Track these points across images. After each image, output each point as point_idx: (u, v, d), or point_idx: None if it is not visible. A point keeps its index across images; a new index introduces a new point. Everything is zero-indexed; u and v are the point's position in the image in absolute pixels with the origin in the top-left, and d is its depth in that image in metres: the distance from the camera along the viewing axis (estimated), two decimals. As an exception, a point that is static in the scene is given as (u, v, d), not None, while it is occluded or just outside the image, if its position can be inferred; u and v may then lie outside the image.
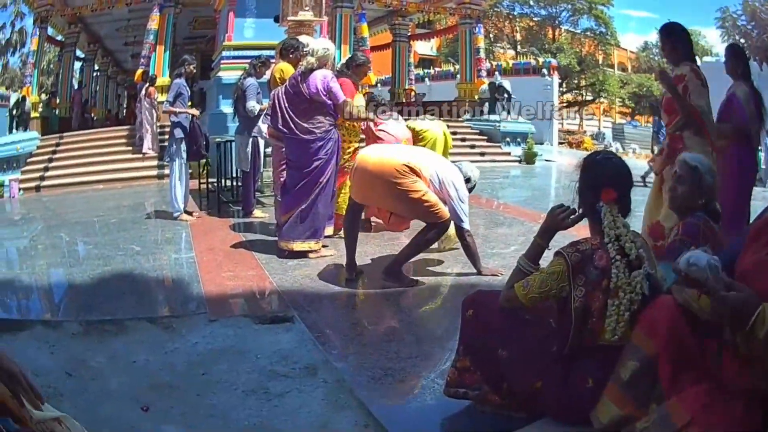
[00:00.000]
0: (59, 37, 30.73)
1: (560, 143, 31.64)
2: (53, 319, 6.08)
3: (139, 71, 22.13)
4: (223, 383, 4.27)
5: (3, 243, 10.43)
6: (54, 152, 20.67)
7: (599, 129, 44.86)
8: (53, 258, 8.71)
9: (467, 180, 6.80)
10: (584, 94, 52.00)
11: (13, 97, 23.88)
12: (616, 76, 52.27)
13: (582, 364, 3.09)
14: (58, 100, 28.10)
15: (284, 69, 8.80)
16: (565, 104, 47.85)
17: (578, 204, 3.30)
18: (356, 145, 8.53)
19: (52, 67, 49.94)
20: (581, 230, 3.41)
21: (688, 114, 5.55)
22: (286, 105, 7.47)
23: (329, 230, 7.99)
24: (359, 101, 8.34)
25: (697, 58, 6.12)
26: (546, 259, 3.32)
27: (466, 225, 6.54)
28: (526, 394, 3.21)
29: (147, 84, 19.70)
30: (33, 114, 22.95)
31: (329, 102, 7.33)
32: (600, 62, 51.71)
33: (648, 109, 49.29)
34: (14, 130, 21.11)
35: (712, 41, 55.61)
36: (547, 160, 22.15)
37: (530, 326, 3.30)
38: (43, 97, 28.61)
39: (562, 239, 3.36)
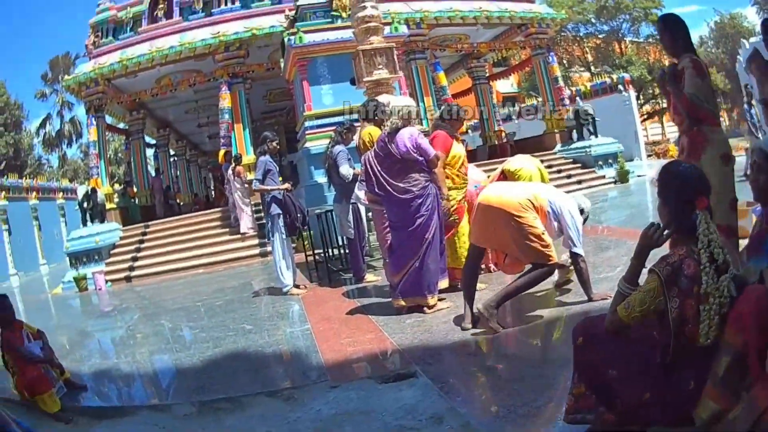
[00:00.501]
0: (122, 125, 31.73)
1: (648, 156, 32.23)
2: (161, 403, 6.50)
3: (221, 152, 23.13)
4: (350, 446, 4.59)
5: (94, 335, 11.10)
6: (141, 241, 21.65)
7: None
8: (156, 345, 9.23)
9: (581, 211, 7.26)
10: (660, 102, 52.56)
11: (81, 190, 24.85)
12: None
13: (683, 369, 3.42)
14: (135, 189, 28.92)
15: (372, 132, 9.26)
16: (645, 116, 50.09)
17: (667, 217, 3.64)
18: (460, 197, 8.78)
19: (120, 156, 51.92)
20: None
21: (682, 104, 5.72)
22: (379, 168, 7.93)
23: (443, 283, 8.20)
24: (458, 150, 8.70)
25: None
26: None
27: (580, 250, 6.91)
28: (637, 407, 3.52)
29: (233, 164, 20.41)
30: (109, 205, 23.86)
31: (421, 158, 7.75)
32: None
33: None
34: (89, 223, 21.99)
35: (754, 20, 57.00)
36: (639, 176, 23.17)
37: (634, 342, 3.64)
38: (117, 187, 29.45)
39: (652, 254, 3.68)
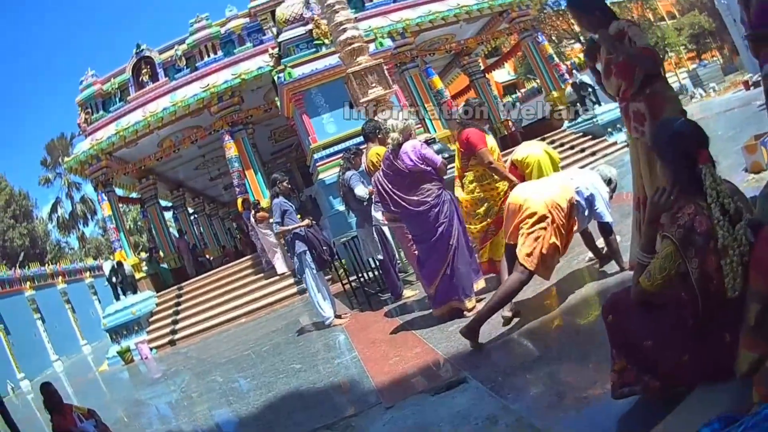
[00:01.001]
0: (134, 194, 31.98)
1: None
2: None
3: (239, 200, 23.26)
4: (413, 461, 4.68)
5: (149, 402, 11.29)
6: (178, 303, 21.96)
7: (679, 83, 47.62)
8: (212, 401, 9.37)
9: (608, 182, 7.35)
10: None
11: (107, 266, 25.07)
12: (669, 26, 53.25)
13: (716, 324, 3.46)
14: (162, 254, 29.25)
15: (379, 152, 9.39)
16: None
17: (671, 177, 3.65)
18: (504, 187, 8.75)
19: (140, 224, 52.37)
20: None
21: (643, 59, 5.59)
22: (390, 186, 8.07)
23: (480, 284, 8.29)
24: (491, 142, 8.77)
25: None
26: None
27: (609, 218, 7.02)
28: (679, 370, 3.59)
29: (253, 211, 20.58)
30: (138, 275, 24.07)
31: (428, 168, 7.85)
32: (652, 20, 53.69)
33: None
34: (122, 296, 22.25)
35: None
36: None
37: (662, 308, 3.70)
38: (142, 255, 29.78)
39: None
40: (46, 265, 41.11)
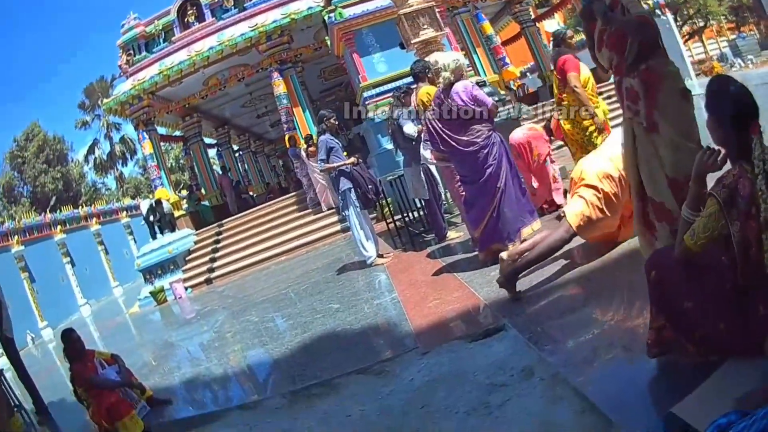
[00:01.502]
0: (177, 132, 32.24)
1: (696, 75, 32.48)
2: (251, 400, 6.60)
3: (287, 137, 23.15)
4: (444, 410, 4.61)
5: (180, 344, 11.38)
6: (217, 242, 22.05)
7: (720, 51, 48.53)
8: (245, 341, 9.39)
9: None
10: (696, 22, 53.26)
11: (144, 204, 25.12)
12: None
13: (753, 294, 3.33)
14: (203, 192, 29.44)
15: (429, 91, 9.19)
16: (686, 37, 49.89)
17: (722, 139, 3.48)
18: (603, 106, 8.92)
19: (182, 162, 52.55)
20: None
21: (636, 28, 5.02)
22: (440, 125, 7.92)
23: (536, 225, 7.99)
24: (585, 72, 8.84)
25: None
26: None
27: None
28: (715, 338, 3.49)
29: (306, 146, 20.39)
30: (177, 213, 24.31)
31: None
32: None
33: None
34: (159, 235, 22.47)
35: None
36: (693, 94, 22.21)
37: (705, 272, 3.57)
38: (183, 193, 29.96)
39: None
40: (80, 207, 41.27)
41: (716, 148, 3.51)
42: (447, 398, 4.80)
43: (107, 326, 21.06)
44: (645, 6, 33.02)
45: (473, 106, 7.67)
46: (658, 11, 31.00)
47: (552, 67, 9.52)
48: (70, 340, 7.31)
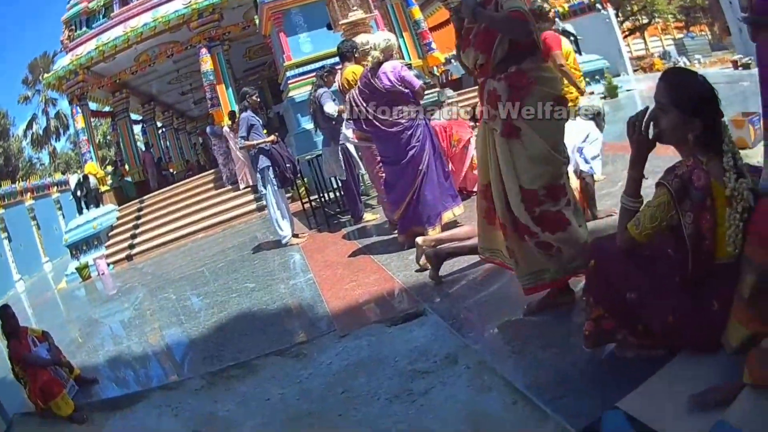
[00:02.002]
0: (107, 108, 31.48)
1: (635, 71, 32.67)
2: (172, 380, 6.30)
3: (212, 113, 22.95)
4: (365, 396, 4.38)
5: (103, 321, 10.97)
6: (138, 218, 21.53)
7: (663, 48, 48.51)
8: (163, 320, 9.06)
9: (597, 114, 7.28)
10: (640, 18, 53.23)
11: (73, 179, 24.69)
12: None
13: (704, 288, 3.14)
14: (127, 167, 28.89)
15: (355, 71, 8.97)
16: (626, 33, 49.72)
17: (674, 128, 3.22)
18: (575, 95, 8.69)
19: (110, 138, 51.70)
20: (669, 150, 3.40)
21: (507, 25, 4.32)
22: (365, 105, 7.67)
23: (458, 210, 7.86)
24: (567, 46, 8.73)
25: None
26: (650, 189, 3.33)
27: (589, 168, 6.78)
28: (661, 331, 3.27)
29: (230, 122, 20.10)
30: (103, 188, 23.78)
31: (406, 90, 7.46)
32: None
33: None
34: (85, 210, 21.88)
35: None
36: (628, 90, 22.58)
37: (651, 263, 3.36)
38: (108, 169, 29.42)
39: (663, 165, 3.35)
40: (17, 182, 40.24)
41: (643, 121, 3.30)
42: (368, 384, 4.57)
43: (38, 302, 20.43)
44: (542, 3, 33.31)
45: (400, 87, 7.44)
46: (599, 5, 31.23)
47: None
48: (6, 316, 7.02)
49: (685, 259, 3.13)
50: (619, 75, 26.65)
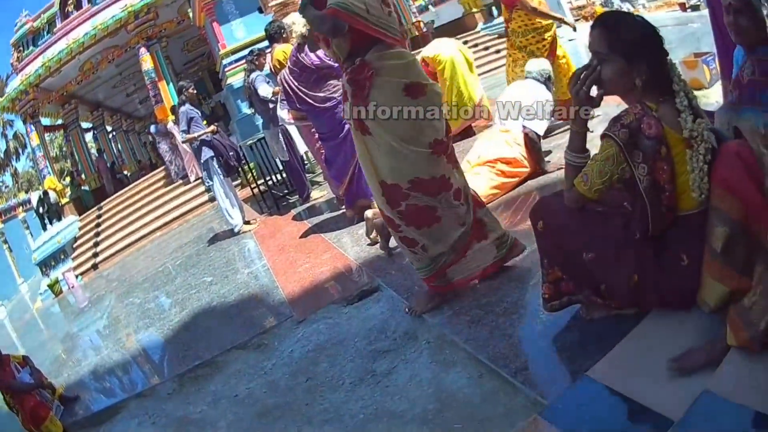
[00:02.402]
0: (59, 121, 31.21)
1: (576, 20, 32.04)
2: (146, 388, 6.11)
3: (158, 109, 22.85)
4: (329, 382, 4.20)
5: (80, 335, 10.77)
6: (98, 225, 21.23)
7: None
8: (132, 325, 8.87)
9: (549, 78, 7.24)
10: None
11: (35, 196, 24.48)
12: None
13: (670, 243, 2.91)
14: (83, 176, 28.63)
15: (285, 50, 8.79)
16: None
17: (617, 74, 2.90)
18: (550, 37, 8.60)
19: (65, 150, 51.23)
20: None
21: (319, 24, 4.07)
22: (296, 83, 7.50)
23: None
24: None
25: None
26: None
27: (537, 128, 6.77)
28: (627, 292, 3.02)
29: (174, 117, 19.87)
30: (63, 200, 23.54)
31: (336, 65, 7.16)
32: None
33: None
34: (48, 226, 21.75)
35: None
36: (570, 40, 22.08)
37: (606, 219, 3.11)
38: (66, 181, 29.08)
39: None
40: (-17, 208, 39.93)
41: (590, 69, 2.95)
42: (330, 369, 4.36)
43: (19, 326, 20.10)
44: None
45: (329, 62, 7.23)
46: None
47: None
48: None
49: (644, 214, 2.86)
50: (560, 26, 26.42)
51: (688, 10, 21.50)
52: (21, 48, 26.39)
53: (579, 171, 3.03)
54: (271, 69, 9.71)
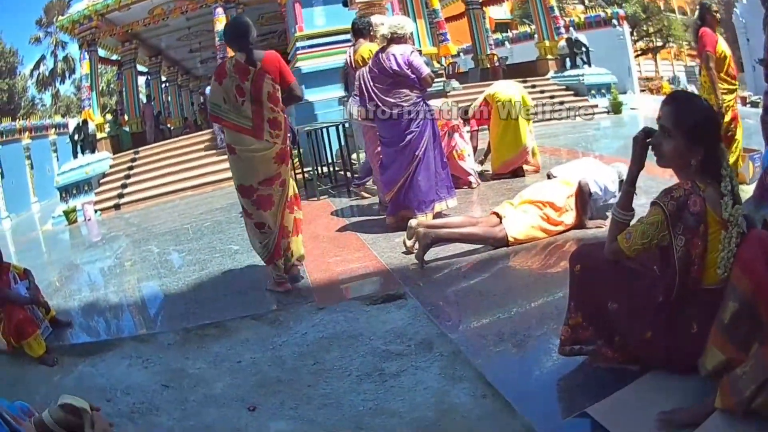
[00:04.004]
0: (114, 57, 31.58)
1: (641, 91, 32.41)
2: (145, 333, 6.26)
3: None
4: (336, 370, 4.38)
5: (83, 267, 10.84)
6: (131, 168, 21.35)
7: (673, 73, 48.15)
8: (143, 272, 8.95)
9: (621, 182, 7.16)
10: (654, 40, 52.79)
11: (72, 123, 24.50)
12: (678, 20, 52.37)
13: (686, 310, 3.17)
14: (126, 117, 28.90)
15: (372, 49, 8.87)
16: (638, 52, 48.98)
17: (677, 152, 3.20)
18: (730, 99, 8.32)
19: (113, 87, 51.57)
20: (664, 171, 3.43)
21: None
22: (372, 83, 7.69)
23: (451, 203, 7.91)
24: (723, 47, 8.27)
25: None
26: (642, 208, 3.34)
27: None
28: (638, 346, 3.31)
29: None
30: (100, 135, 23.62)
31: (413, 76, 7.47)
32: (662, 8, 52.47)
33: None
34: (80, 155, 21.75)
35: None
36: (632, 109, 22.34)
37: (637, 277, 3.37)
38: (108, 117, 29.31)
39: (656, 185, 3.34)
40: (17, 120, 40.04)
41: (655, 138, 3.28)
42: (340, 358, 4.57)
43: (21, 240, 20.24)
44: (602, 14, 33.35)
45: (407, 71, 7.45)
46: (615, 21, 31.14)
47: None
48: None
49: (671, 280, 3.14)
50: (625, 92, 26.48)
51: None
52: (93, -28, 26.08)
53: (622, 227, 3.35)
54: (351, 63, 9.80)
